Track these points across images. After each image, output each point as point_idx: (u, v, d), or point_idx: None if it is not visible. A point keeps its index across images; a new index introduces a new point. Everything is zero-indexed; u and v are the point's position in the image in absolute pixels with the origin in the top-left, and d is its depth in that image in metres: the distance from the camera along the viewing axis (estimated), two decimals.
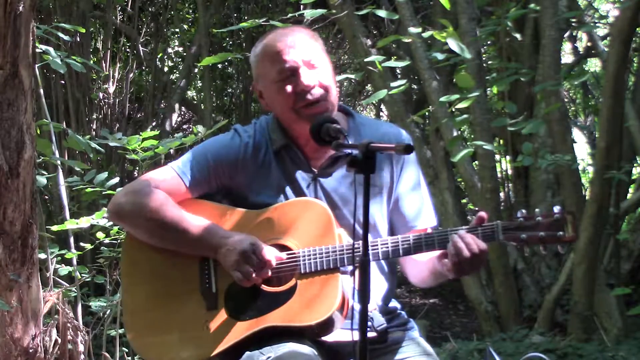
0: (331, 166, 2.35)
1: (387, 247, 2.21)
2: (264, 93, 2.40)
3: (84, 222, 3.68)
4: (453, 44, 4.07)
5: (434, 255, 2.24)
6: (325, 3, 5.15)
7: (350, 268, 2.21)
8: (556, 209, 2.17)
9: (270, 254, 2.22)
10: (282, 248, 2.28)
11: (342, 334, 2.24)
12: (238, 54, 4.46)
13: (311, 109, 2.30)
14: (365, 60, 4.81)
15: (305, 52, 2.33)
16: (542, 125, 4.78)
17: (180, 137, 3.81)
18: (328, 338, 2.25)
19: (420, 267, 2.34)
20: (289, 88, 2.31)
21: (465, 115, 5.09)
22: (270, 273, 2.23)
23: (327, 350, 2.25)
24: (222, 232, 2.28)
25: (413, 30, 4.67)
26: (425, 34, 4.48)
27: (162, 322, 2.31)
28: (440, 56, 4.56)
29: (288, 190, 2.33)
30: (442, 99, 4.88)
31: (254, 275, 2.21)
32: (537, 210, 2.18)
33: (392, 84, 4.64)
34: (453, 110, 5.49)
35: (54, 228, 3.77)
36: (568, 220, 2.14)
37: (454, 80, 5.35)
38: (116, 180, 3.84)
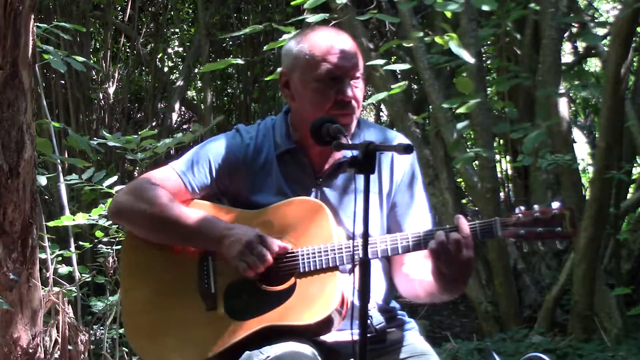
0: (335, 173, 2.34)
1: (386, 245, 2.20)
2: (293, 84, 2.33)
3: (81, 218, 3.68)
4: (455, 49, 4.05)
5: (429, 275, 2.19)
6: (327, 4, 5.14)
7: (349, 267, 2.20)
8: (554, 204, 2.14)
9: (276, 244, 2.21)
10: None
11: (342, 334, 2.23)
12: (239, 59, 4.45)
13: (344, 118, 2.27)
14: (366, 64, 4.80)
15: (356, 64, 2.31)
16: (544, 136, 4.71)
17: (180, 137, 3.80)
18: (328, 338, 2.25)
19: (414, 284, 2.30)
20: (330, 92, 2.26)
21: (465, 122, 5.08)
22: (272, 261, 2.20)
23: (326, 350, 2.24)
24: (223, 224, 2.27)
25: (414, 34, 4.65)
26: (427, 39, 4.46)
27: (162, 323, 2.31)
28: (438, 59, 4.55)
29: (288, 193, 2.31)
30: (444, 104, 4.87)
31: (259, 265, 2.19)
32: (535, 206, 2.16)
33: (392, 86, 4.62)
34: (454, 112, 5.49)
35: (50, 224, 3.76)
36: (566, 216, 2.11)
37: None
38: (115, 178, 3.83)
